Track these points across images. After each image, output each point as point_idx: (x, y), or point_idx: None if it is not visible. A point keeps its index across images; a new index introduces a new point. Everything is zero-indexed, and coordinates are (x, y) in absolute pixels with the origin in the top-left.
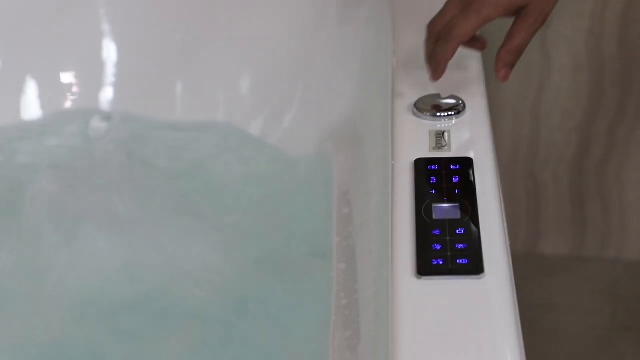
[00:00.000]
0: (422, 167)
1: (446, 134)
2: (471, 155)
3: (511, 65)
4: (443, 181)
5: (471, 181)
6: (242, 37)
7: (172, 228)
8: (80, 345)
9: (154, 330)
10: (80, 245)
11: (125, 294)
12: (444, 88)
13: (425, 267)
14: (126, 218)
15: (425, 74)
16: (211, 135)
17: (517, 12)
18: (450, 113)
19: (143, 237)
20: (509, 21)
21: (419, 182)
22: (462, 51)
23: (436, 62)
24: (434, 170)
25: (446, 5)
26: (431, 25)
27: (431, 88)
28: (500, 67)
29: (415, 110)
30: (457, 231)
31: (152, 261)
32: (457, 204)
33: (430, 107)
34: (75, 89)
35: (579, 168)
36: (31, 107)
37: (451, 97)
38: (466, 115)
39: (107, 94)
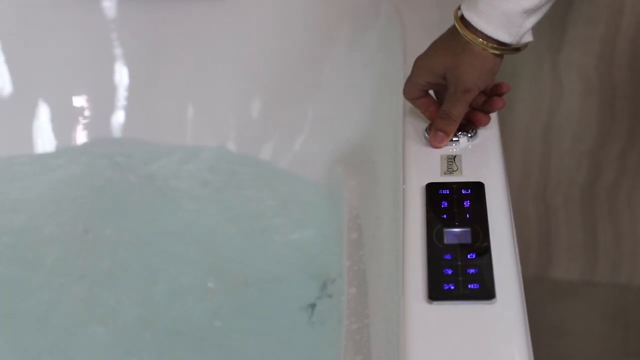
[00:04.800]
0: (433, 191)
1: (457, 159)
2: (482, 179)
3: None
4: (454, 205)
5: (482, 205)
6: (252, 61)
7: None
8: None
9: None
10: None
11: None
12: None
13: (437, 291)
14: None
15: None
16: (221, 160)
17: None
18: (461, 137)
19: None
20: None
21: (430, 207)
22: None
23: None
24: (445, 194)
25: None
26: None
27: None
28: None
29: (427, 135)
30: (469, 256)
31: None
32: (469, 229)
33: None
34: (86, 113)
35: (590, 193)
36: (43, 132)
37: (462, 121)
38: (477, 140)
39: (118, 118)
